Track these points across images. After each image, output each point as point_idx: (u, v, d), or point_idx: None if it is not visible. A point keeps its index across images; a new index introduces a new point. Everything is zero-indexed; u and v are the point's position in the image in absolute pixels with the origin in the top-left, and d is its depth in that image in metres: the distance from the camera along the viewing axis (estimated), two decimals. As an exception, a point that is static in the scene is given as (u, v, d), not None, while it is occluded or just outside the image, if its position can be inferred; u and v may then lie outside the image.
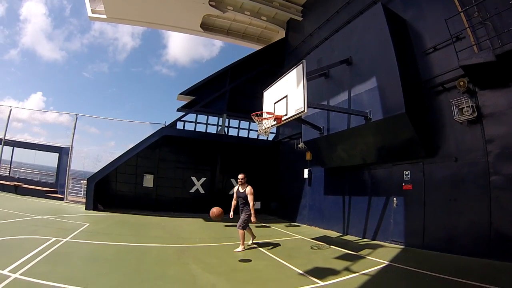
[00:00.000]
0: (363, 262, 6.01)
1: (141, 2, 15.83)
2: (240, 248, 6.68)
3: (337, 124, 8.73)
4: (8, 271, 4.31)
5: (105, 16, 16.83)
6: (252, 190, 6.81)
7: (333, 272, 5.26)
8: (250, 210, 6.73)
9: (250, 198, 6.74)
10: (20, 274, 4.26)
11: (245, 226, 6.80)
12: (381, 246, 7.54)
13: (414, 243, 7.23)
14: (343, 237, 8.96)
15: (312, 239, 8.50)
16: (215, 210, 6.47)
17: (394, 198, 7.92)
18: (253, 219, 6.66)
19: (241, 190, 6.92)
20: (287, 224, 11.57)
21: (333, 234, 9.43)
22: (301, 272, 5.26)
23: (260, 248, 7.07)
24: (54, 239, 6.50)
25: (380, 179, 8.67)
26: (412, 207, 7.46)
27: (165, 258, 5.89)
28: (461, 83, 6.42)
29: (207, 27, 17.93)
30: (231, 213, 6.93)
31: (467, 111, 6.23)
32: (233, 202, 7.13)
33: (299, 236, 8.96)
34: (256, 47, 18.02)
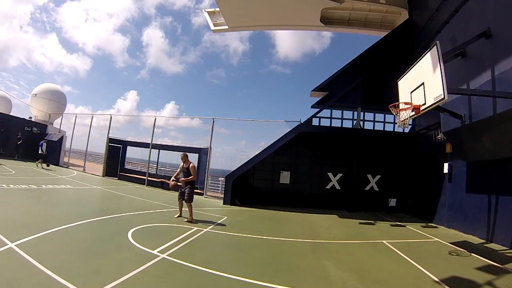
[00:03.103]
0: (510, 278, 5.46)
1: (259, 7, 17.43)
2: (189, 218, 8.46)
3: (481, 110, 8.01)
4: (157, 251, 5.31)
5: (226, 27, 19.40)
6: (194, 168, 8.81)
7: (473, 285, 4.97)
8: (191, 183, 8.70)
9: (193, 172, 8.67)
10: (167, 255, 5.19)
11: (191, 198, 8.57)
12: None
13: None
14: (486, 245, 8.19)
15: (450, 243, 8.12)
16: (172, 183, 8.88)
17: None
18: (180, 181, 8.70)
19: (185, 166, 8.80)
20: (423, 224, 11.19)
21: (474, 240, 8.75)
22: (436, 279, 5.12)
23: (394, 249, 7.24)
24: (195, 228, 7.64)
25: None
26: None
27: (299, 252, 6.41)
28: None
29: (327, 20, 18.41)
30: (172, 181, 8.93)
31: None
32: (178, 171, 9.07)
33: (436, 239, 8.67)
34: (381, 33, 17.55)
